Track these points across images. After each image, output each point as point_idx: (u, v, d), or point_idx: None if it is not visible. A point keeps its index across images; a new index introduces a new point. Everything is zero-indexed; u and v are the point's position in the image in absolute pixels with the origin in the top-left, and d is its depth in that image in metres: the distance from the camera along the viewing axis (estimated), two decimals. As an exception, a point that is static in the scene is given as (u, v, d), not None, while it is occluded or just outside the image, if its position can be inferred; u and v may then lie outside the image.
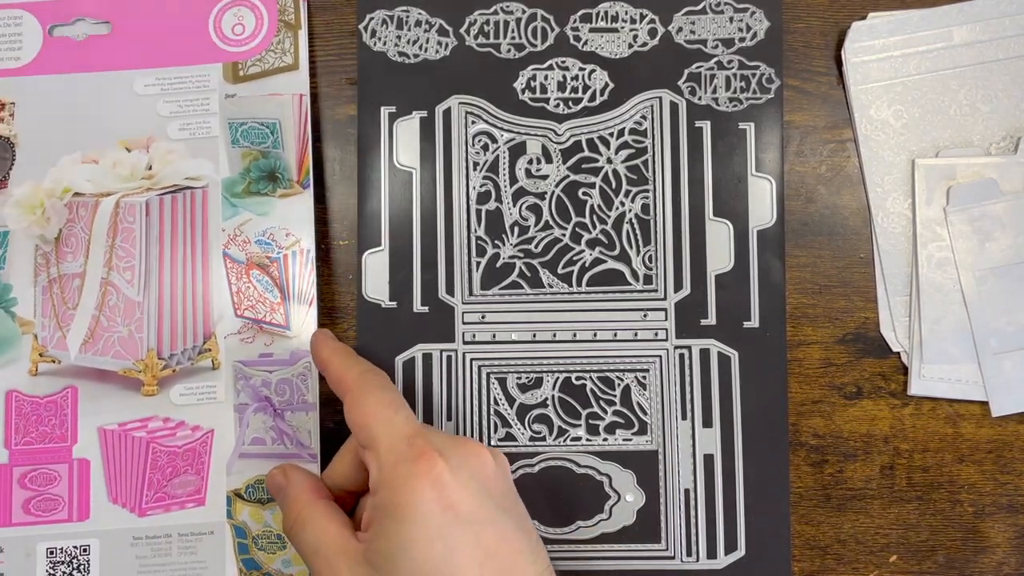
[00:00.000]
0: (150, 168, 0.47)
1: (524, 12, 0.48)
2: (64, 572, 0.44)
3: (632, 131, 0.48)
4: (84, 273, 0.46)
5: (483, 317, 0.47)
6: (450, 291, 0.47)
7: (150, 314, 0.46)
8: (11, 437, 0.45)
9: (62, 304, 0.46)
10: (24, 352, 0.46)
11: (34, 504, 0.45)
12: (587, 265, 0.47)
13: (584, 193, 0.47)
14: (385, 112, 0.48)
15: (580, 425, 0.47)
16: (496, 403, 0.47)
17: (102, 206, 0.46)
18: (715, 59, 0.48)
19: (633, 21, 0.48)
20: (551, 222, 0.47)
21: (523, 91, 0.48)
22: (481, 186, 0.48)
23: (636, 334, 0.47)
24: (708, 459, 0.47)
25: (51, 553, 0.44)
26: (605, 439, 0.47)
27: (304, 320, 0.46)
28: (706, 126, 0.47)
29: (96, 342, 0.46)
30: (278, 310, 0.46)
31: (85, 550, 0.45)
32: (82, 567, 0.44)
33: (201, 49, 0.47)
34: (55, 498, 0.45)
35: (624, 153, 0.47)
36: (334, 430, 0.46)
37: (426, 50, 0.48)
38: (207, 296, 0.46)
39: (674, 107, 0.48)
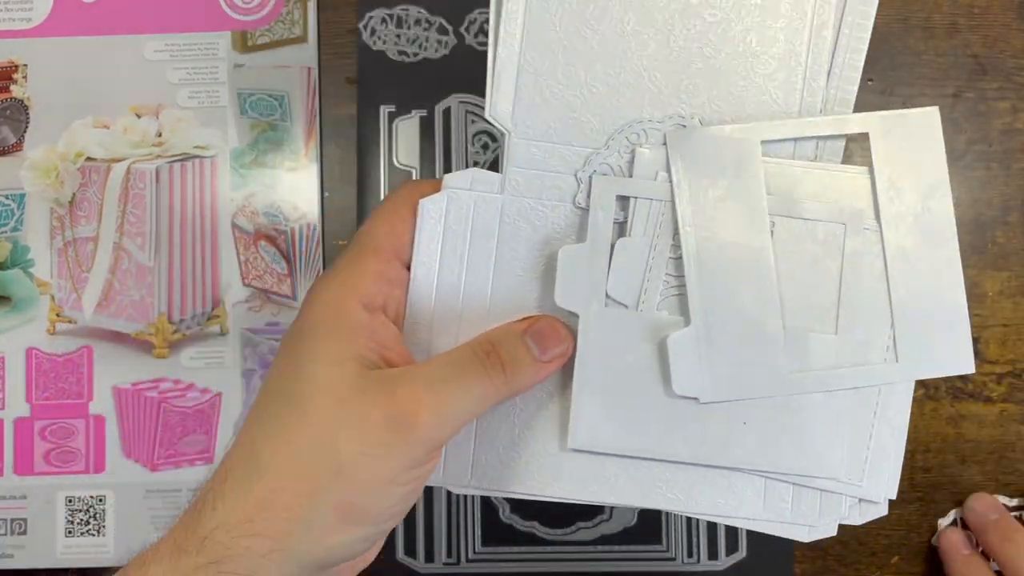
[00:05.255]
0: (160, 135, 0.48)
1: (524, 11, 0.48)
2: (82, 520, 0.47)
3: (633, 130, 0.47)
4: (97, 237, 0.47)
5: (483, 317, 0.47)
6: (450, 291, 0.47)
7: (161, 279, 0.47)
8: (32, 392, 0.47)
9: (77, 267, 0.47)
10: (42, 312, 0.47)
11: (54, 456, 0.47)
12: (588, 265, 0.47)
13: (585, 192, 0.47)
14: (385, 111, 0.48)
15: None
16: (496, 403, 0.47)
17: (114, 171, 0.47)
18: (716, 58, 0.47)
19: (634, 20, 0.48)
20: (551, 222, 0.47)
21: (523, 90, 0.47)
22: (481, 185, 0.47)
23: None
24: (709, 460, 0.46)
25: (70, 502, 0.47)
26: (606, 439, 0.47)
27: None
28: (707, 125, 0.47)
29: (110, 304, 0.47)
30: (285, 281, 0.47)
31: (101, 500, 0.47)
32: (98, 515, 0.47)
33: (210, 16, 0.48)
34: (73, 451, 0.47)
35: (625, 152, 0.47)
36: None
37: (426, 49, 0.48)
38: (216, 264, 0.47)
39: (675, 106, 0.47)
